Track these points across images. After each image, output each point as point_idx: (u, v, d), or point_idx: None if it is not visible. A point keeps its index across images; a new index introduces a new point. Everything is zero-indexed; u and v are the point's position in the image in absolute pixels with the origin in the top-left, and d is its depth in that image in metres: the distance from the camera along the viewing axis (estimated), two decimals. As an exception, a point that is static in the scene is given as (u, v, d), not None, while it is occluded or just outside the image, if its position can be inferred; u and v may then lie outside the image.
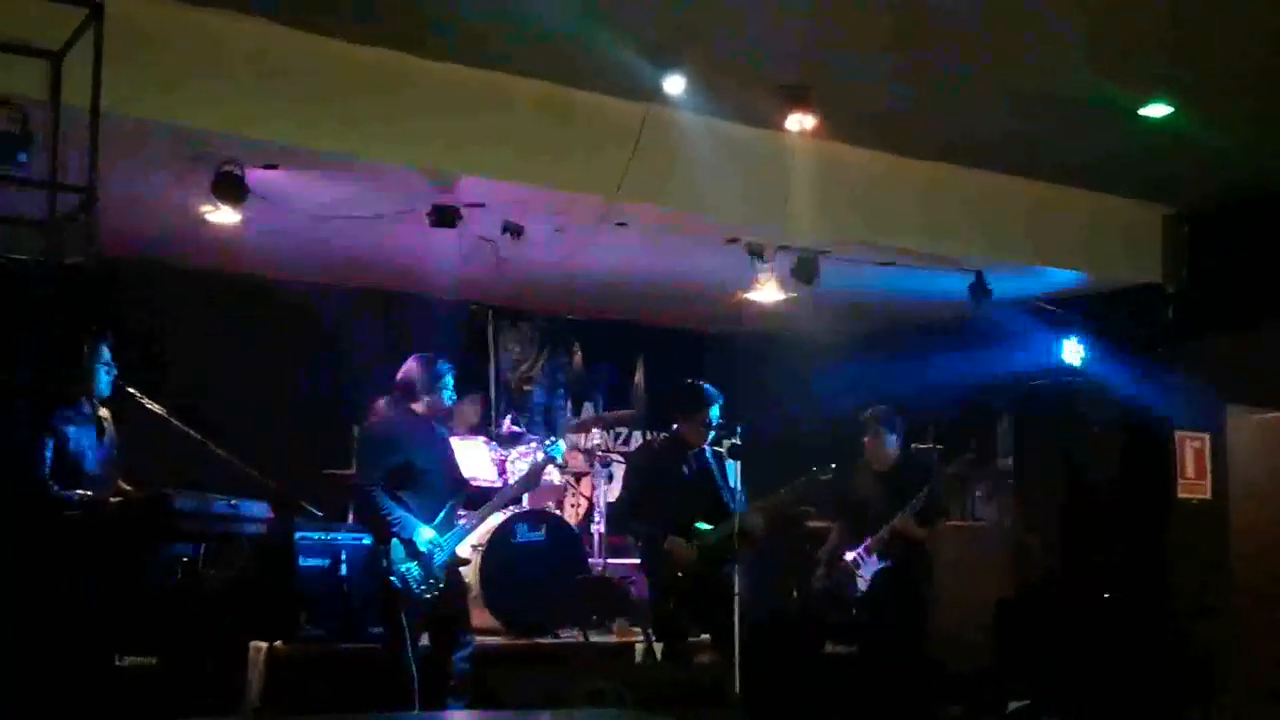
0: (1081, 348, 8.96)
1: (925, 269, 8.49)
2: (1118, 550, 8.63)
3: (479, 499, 7.00)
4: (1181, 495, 8.64)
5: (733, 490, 6.98)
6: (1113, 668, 8.13)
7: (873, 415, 7.83)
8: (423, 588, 6.23)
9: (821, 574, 7.85)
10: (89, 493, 5.53)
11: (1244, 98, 6.90)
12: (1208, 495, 8.69)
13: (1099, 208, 8.64)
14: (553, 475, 8.33)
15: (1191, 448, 8.71)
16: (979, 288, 8.54)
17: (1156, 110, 7.10)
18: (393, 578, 6.18)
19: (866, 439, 7.79)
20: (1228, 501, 8.70)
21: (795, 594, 8.29)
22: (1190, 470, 8.68)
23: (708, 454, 7.20)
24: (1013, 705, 8.18)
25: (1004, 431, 9.67)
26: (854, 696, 7.42)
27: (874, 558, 7.62)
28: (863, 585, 7.62)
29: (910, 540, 7.61)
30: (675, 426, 7.32)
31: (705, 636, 7.13)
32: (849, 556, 7.66)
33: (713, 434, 7.17)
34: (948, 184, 8.17)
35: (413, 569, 6.22)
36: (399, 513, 6.25)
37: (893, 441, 7.79)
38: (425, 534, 6.28)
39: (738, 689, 6.49)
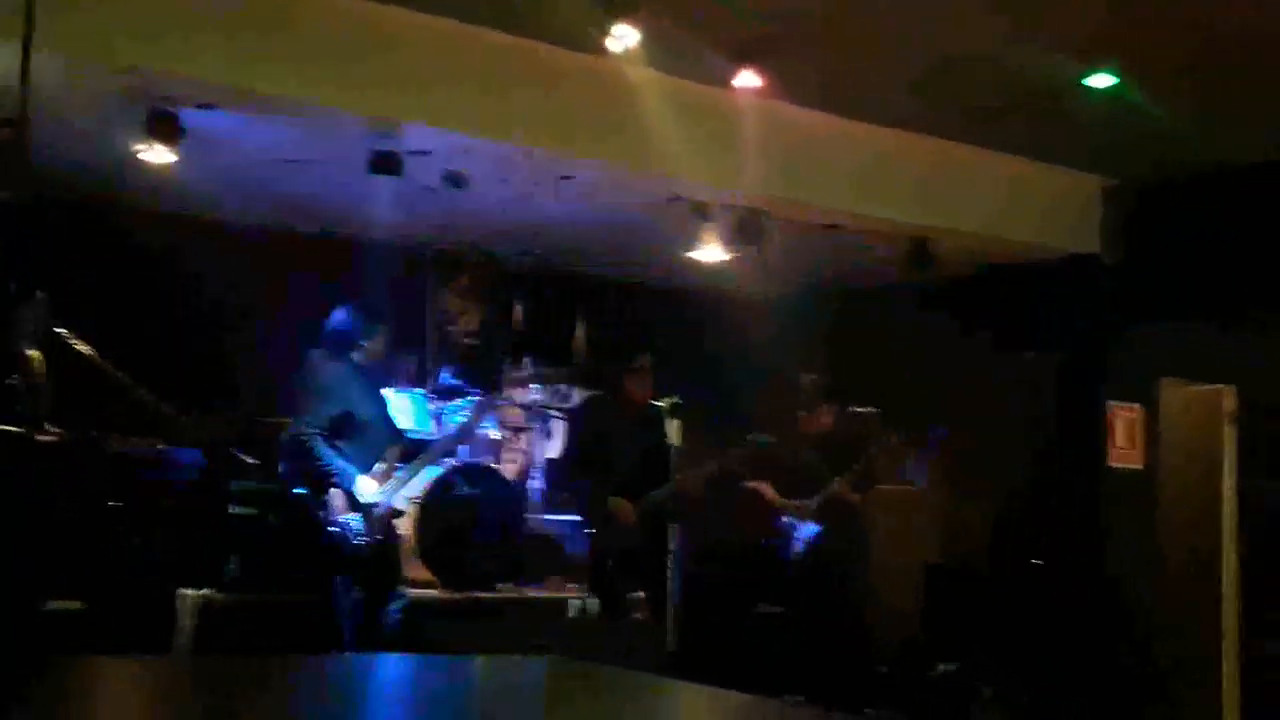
0: (1017, 315, 9.02)
1: (868, 234, 8.49)
2: (1048, 518, 8.72)
3: (414, 451, 6.95)
4: (1113, 464, 8.73)
5: (673, 449, 6.96)
6: (1041, 635, 8.24)
7: (809, 383, 7.86)
8: (361, 539, 6.18)
9: (755, 535, 7.88)
10: (18, 429, 5.40)
11: (1189, 70, 6.92)
12: (1139, 465, 8.79)
13: (1039, 177, 8.67)
14: (490, 430, 8.28)
15: (1124, 418, 8.81)
16: (920, 255, 8.55)
17: (1100, 80, 7.11)
18: (331, 528, 6.12)
19: (801, 408, 7.82)
20: (1158, 472, 8.82)
21: (730, 554, 8.31)
22: (1122, 440, 8.78)
23: (651, 410, 7.17)
24: (941, 668, 8.27)
25: (937, 396, 9.72)
26: (785, 655, 7.47)
27: (808, 521, 7.65)
28: (797, 547, 7.66)
29: (845, 505, 7.64)
30: (619, 381, 7.28)
31: (641, 594, 7.14)
32: (784, 519, 7.69)
33: (656, 388, 7.15)
34: (892, 150, 8.16)
35: (351, 520, 6.16)
36: (339, 463, 6.19)
37: (828, 409, 7.82)
38: (365, 485, 6.22)
39: (671, 647, 6.50)
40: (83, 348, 6.06)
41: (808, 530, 7.67)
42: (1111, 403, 8.82)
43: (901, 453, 8.99)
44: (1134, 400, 8.86)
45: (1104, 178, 8.88)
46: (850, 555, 7.79)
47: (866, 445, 7.81)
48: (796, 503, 7.68)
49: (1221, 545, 8.61)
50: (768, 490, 7.90)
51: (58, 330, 5.96)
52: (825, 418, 7.85)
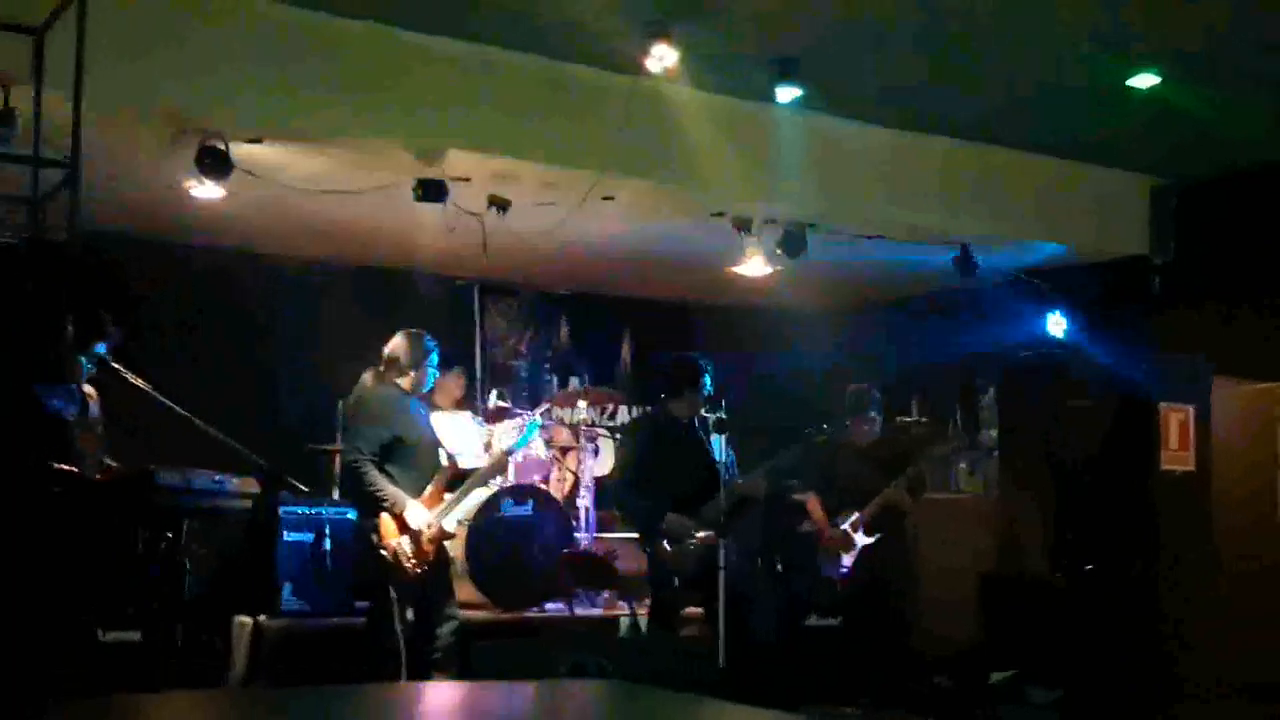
0: (1066, 320, 8.98)
1: (911, 242, 8.49)
2: (1101, 523, 8.66)
3: (464, 474, 7.00)
4: (1165, 467, 8.66)
5: (723, 463, 6.98)
6: (1097, 639, 8.18)
7: (857, 392, 7.85)
8: (412, 562, 6.25)
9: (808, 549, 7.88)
10: (74, 469, 5.52)
11: (1231, 69, 6.89)
12: (1191, 467, 8.72)
13: (1085, 179, 8.64)
14: (538, 449, 8.33)
15: (1175, 419, 8.73)
16: (965, 261, 8.54)
17: (1144, 81, 7.08)
18: (383, 552, 6.20)
19: (852, 417, 7.81)
20: (1210, 473, 8.74)
21: (780, 567, 8.32)
22: (1174, 442, 8.71)
23: (702, 427, 7.19)
24: (996, 676, 8.23)
25: (988, 404, 9.70)
26: (838, 669, 7.46)
27: (860, 533, 7.65)
28: (848, 560, 7.66)
29: (897, 513, 7.64)
30: (665, 398, 7.30)
31: (696, 610, 7.15)
32: (838, 530, 7.69)
33: (705, 403, 7.16)
34: (934, 157, 8.16)
35: (403, 544, 6.24)
36: (390, 488, 6.26)
37: (875, 419, 7.82)
38: (415, 509, 6.29)
39: (722, 662, 6.50)
40: (137, 381, 6.18)
41: (860, 542, 7.66)
42: (1163, 404, 8.75)
43: (951, 459, 8.97)
44: (1186, 401, 8.78)
45: (1151, 178, 8.83)
46: (902, 564, 7.77)
47: (917, 452, 7.79)
48: (851, 519, 7.67)
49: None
50: (815, 509, 7.90)
51: (113, 365, 6.08)
52: (874, 425, 7.85)
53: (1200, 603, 8.31)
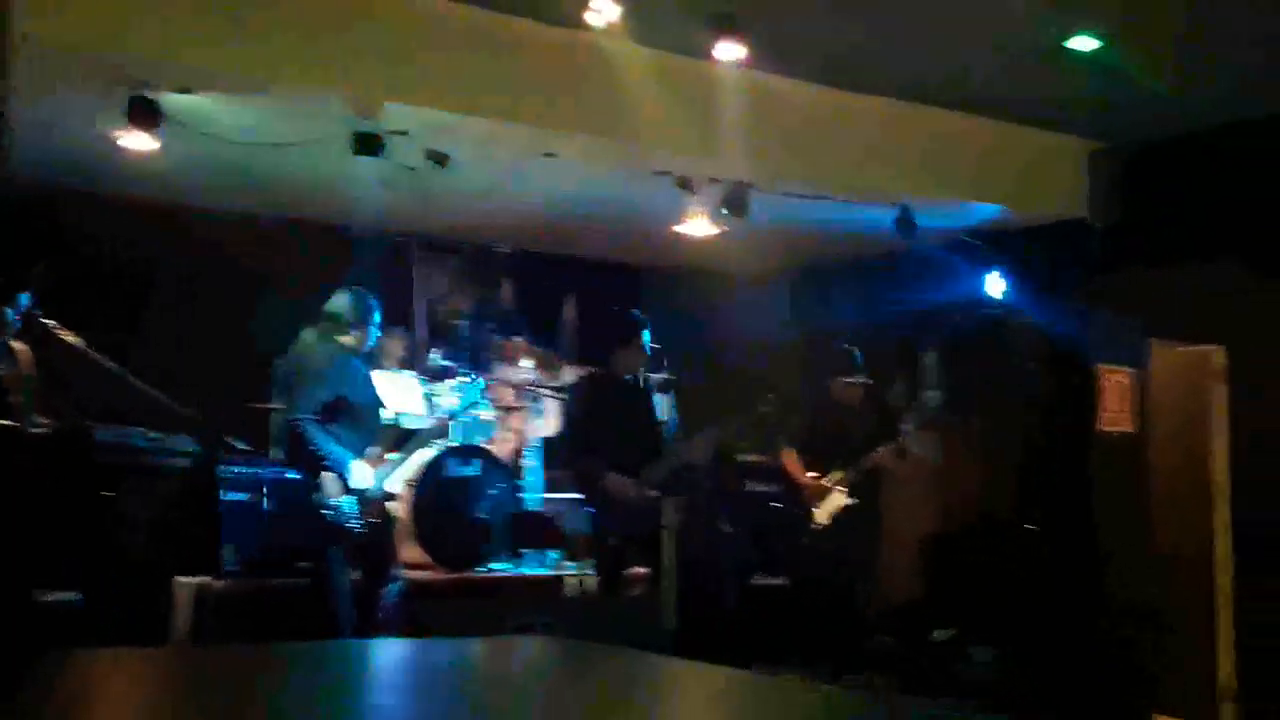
0: (1006, 283, 9.02)
1: (852, 203, 8.48)
2: (1041, 483, 8.74)
3: (407, 434, 6.93)
4: (1104, 428, 8.74)
5: (667, 423, 6.96)
6: (1034, 599, 8.26)
7: (840, 353, 7.88)
8: (355, 522, 6.17)
9: (784, 504, 7.91)
10: (8, 424, 5.37)
11: (1173, 32, 6.91)
12: (1130, 429, 8.80)
13: (1025, 142, 8.65)
14: (483, 410, 8.26)
15: (1114, 381, 8.81)
16: (905, 222, 8.54)
17: (1084, 44, 7.09)
18: (325, 512, 6.11)
19: (832, 380, 7.83)
20: (1150, 434, 8.83)
21: (728, 526, 8.32)
22: (1113, 404, 8.78)
23: (646, 386, 7.16)
24: (938, 634, 8.29)
25: (930, 366, 9.73)
26: (786, 627, 7.48)
27: (841, 491, 7.68)
28: (822, 518, 7.68)
29: (879, 477, 7.68)
30: (611, 356, 7.25)
31: (643, 570, 7.13)
32: (817, 483, 7.71)
33: (648, 363, 7.13)
34: (874, 117, 8.13)
35: (345, 503, 6.15)
36: (332, 446, 6.17)
37: (859, 379, 7.86)
38: (358, 469, 6.21)
39: (669, 623, 6.50)
40: (70, 338, 6.02)
41: (837, 500, 7.68)
42: (1101, 366, 8.82)
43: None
44: (1124, 364, 8.86)
45: (1090, 141, 8.87)
46: (873, 528, 7.83)
47: (904, 415, 7.83)
48: (837, 477, 7.68)
49: (1214, 507, 8.62)
50: (792, 463, 7.90)
51: (44, 321, 5.92)
52: (858, 386, 7.89)
53: (1135, 564, 8.41)
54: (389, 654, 4.07)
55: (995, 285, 9.04)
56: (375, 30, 6.63)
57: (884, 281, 9.55)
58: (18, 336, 5.78)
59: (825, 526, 7.65)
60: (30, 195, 6.55)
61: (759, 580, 8.05)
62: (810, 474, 7.82)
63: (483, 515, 7.60)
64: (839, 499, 7.70)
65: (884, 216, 8.54)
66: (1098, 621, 8.23)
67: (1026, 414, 8.97)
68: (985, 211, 8.86)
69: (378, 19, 6.63)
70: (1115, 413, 8.77)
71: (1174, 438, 8.83)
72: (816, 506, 7.72)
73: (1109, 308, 8.72)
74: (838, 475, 7.70)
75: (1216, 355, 8.67)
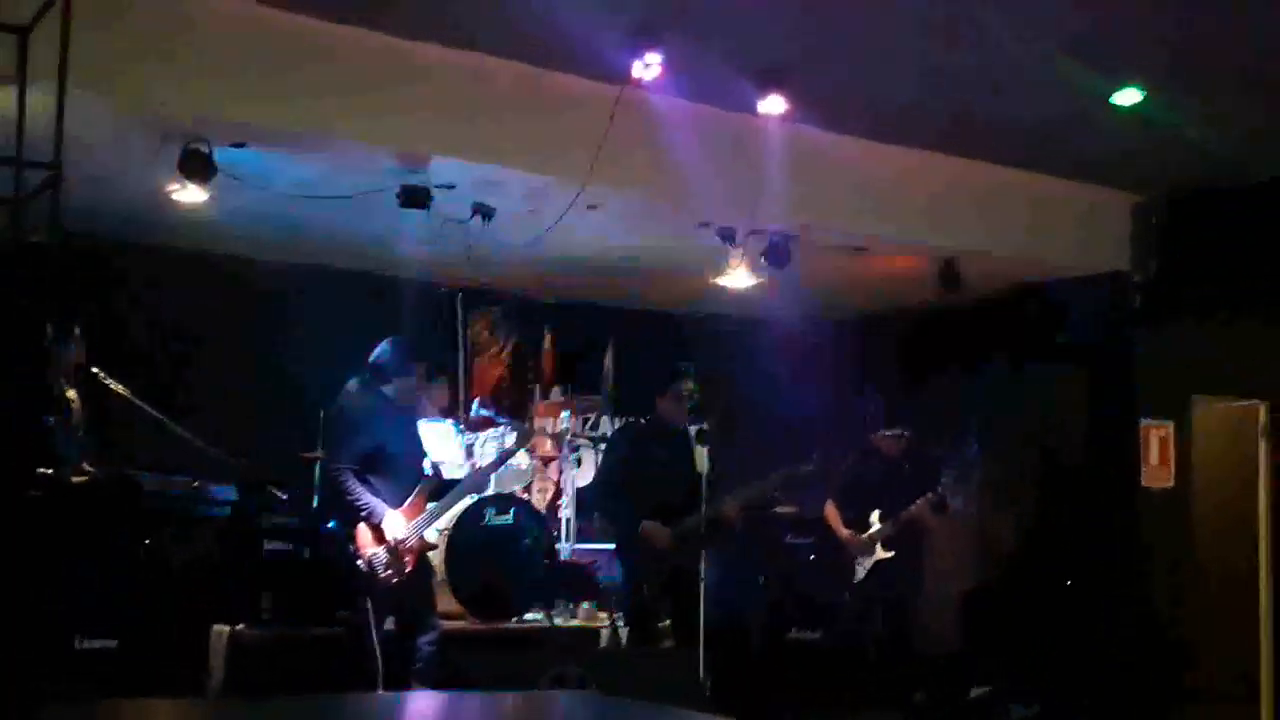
0: (1048, 335, 8.99)
1: (895, 254, 8.49)
2: (1083, 538, 8.67)
3: (446, 484, 6.98)
4: (1146, 484, 8.68)
5: (706, 474, 6.97)
6: (1075, 656, 8.19)
7: (879, 412, 7.90)
8: (389, 572, 6.21)
9: (821, 557, 7.91)
10: (53, 472, 5.47)
11: (1214, 86, 6.91)
12: (1171, 484, 8.74)
13: (1068, 194, 8.64)
14: (521, 460, 8.30)
15: (1156, 436, 8.75)
16: (948, 275, 8.54)
17: (1127, 97, 7.10)
18: (359, 562, 6.16)
19: (874, 435, 7.85)
20: (1191, 490, 8.75)
21: (763, 580, 8.30)
22: (1154, 459, 8.72)
23: (686, 437, 7.18)
24: (975, 691, 8.23)
25: (970, 420, 9.69)
26: (820, 682, 7.45)
27: (879, 546, 7.68)
28: (860, 573, 7.67)
29: (918, 530, 7.66)
30: (653, 406, 7.29)
31: (676, 621, 7.13)
32: (859, 541, 7.71)
33: (689, 413, 7.15)
34: (919, 170, 8.15)
35: (379, 554, 6.20)
36: (367, 498, 6.22)
37: (902, 431, 7.86)
38: (393, 519, 6.25)
39: (703, 674, 6.49)
40: (117, 387, 6.13)
41: (876, 555, 7.67)
42: (1144, 421, 8.77)
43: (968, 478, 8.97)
44: (1166, 418, 8.80)
45: (1132, 194, 8.85)
46: (913, 582, 7.81)
47: (944, 469, 7.82)
48: (874, 530, 7.68)
49: (1258, 563, 8.53)
50: (833, 516, 7.90)
51: (93, 370, 6.04)
52: (901, 438, 7.89)
53: (1179, 616, 8.33)
54: (424, 707, 4.10)
55: (1038, 338, 9.00)
56: (422, 85, 6.73)
57: (926, 334, 9.53)
58: (68, 385, 5.90)
59: (864, 580, 7.63)
60: (82, 246, 6.66)
61: (794, 635, 8.02)
62: (848, 528, 7.82)
63: (518, 565, 7.62)
64: (878, 552, 7.69)
65: (927, 269, 8.55)
66: (1140, 679, 8.14)
67: (1069, 468, 8.92)
68: (1027, 264, 8.85)
69: (426, 75, 6.73)
70: (1157, 467, 8.71)
71: (1217, 493, 8.77)
72: (856, 560, 7.71)
73: (1152, 362, 8.67)
74: (876, 528, 7.70)
75: (1260, 411, 8.61)
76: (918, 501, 7.67)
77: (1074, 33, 6.34)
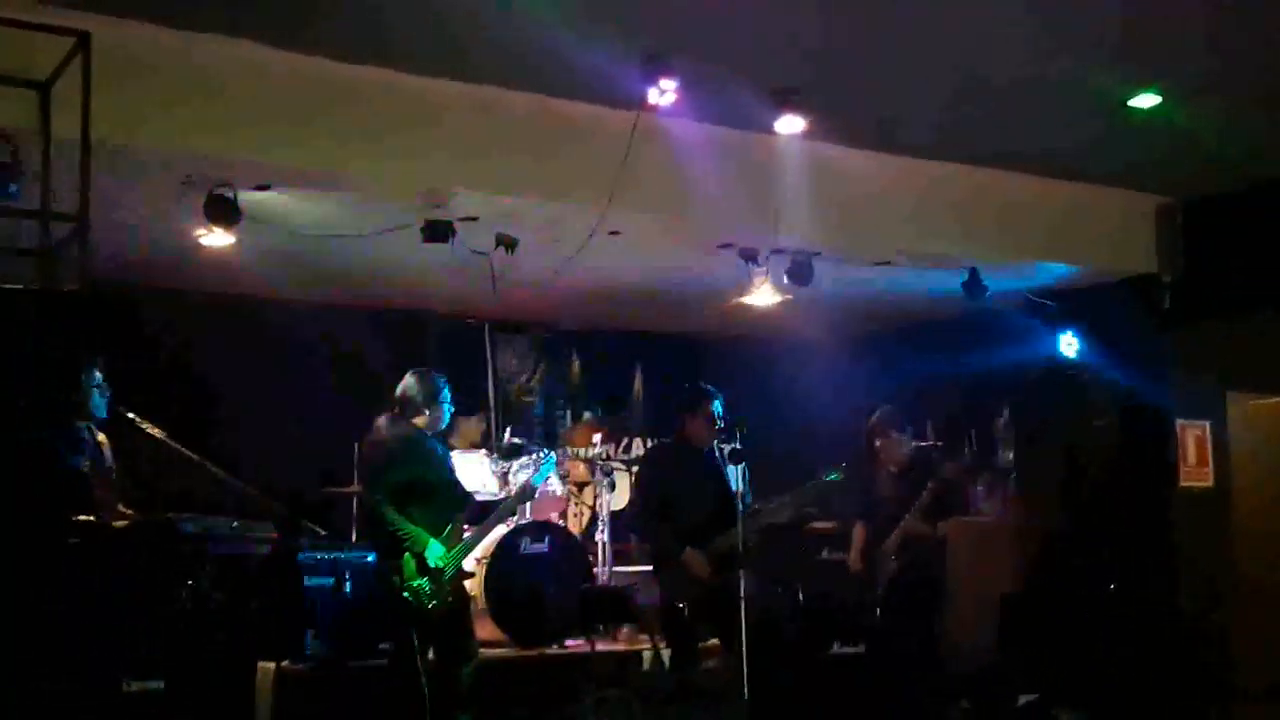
0: (1078, 340, 8.97)
1: (919, 268, 8.50)
2: (1121, 541, 8.63)
3: (481, 513, 7.02)
4: (1184, 484, 8.63)
5: (739, 494, 6.97)
6: (1121, 659, 8.13)
7: (880, 418, 7.87)
8: (434, 602, 6.26)
9: (852, 573, 7.90)
10: (91, 517, 5.52)
11: (1230, 86, 6.90)
12: (1209, 483, 8.68)
13: (1091, 200, 8.63)
14: (555, 486, 8.34)
15: (1192, 436, 8.70)
16: (974, 284, 8.54)
17: (1145, 101, 7.10)
18: (405, 593, 6.21)
19: (878, 442, 7.82)
20: (1230, 488, 8.70)
21: (800, 596, 8.29)
22: (1191, 458, 8.68)
23: (716, 456, 7.19)
24: (1022, 699, 8.17)
25: (1003, 426, 9.68)
26: (862, 696, 7.42)
27: (891, 559, 7.66)
28: (881, 585, 7.66)
29: (921, 541, 7.63)
30: (682, 427, 7.31)
31: (714, 641, 7.13)
32: (859, 566, 7.72)
33: (719, 432, 7.17)
34: (939, 181, 8.16)
35: (424, 584, 6.24)
36: (410, 528, 6.28)
37: (904, 441, 7.83)
38: (436, 549, 6.30)
39: (746, 692, 6.48)
40: (152, 430, 6.20)
41: (890, 568, 7.66)
42: (1179, 421, 8.72)
43: (964, 482, 8.95)
44: (1201, 418, 8.76)
45: (1157, 196, 8.83)
46: (930, 592, 7.76)
47: (931, 477, 7.80)
48: (888, 541, 7.69)
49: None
50: (859, 529, 7.90)
51: (127, 414, 6.10)
52: (903, 446, 7.87)
53: (1220, 616, 8.26)
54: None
55: (1067, 343, 8.99)
56: (440, 121, 6.79)
57: (953, 344, 9.52)
58: (100, 429, 5.96)
59: (885, 597, 7.62)
60: (110, 292, 6.74)
61: (835, 650, 8.00)
62: (861, 542, 7.81)
63: (556, 591, 7.64)
64: (892, 566, 7.67)
65: (952, 279, 8.55)
66: (1183, 681, 8.08)
67: (1105, 472, 8.87)
68: (1054, 270, 8.84)
69: (443, 110, 6.79)
70: (1194, 467, 8.66)
71: (1255, 491, 8.70)
72: (877, 574, 7.70)
73: (1184, 362, 8.63)
74: (888, 541, 7.67)
75: (1296, 406, 8.56)
76: (905, 518, 7.64)
77: (1089, 38, 6.34)
